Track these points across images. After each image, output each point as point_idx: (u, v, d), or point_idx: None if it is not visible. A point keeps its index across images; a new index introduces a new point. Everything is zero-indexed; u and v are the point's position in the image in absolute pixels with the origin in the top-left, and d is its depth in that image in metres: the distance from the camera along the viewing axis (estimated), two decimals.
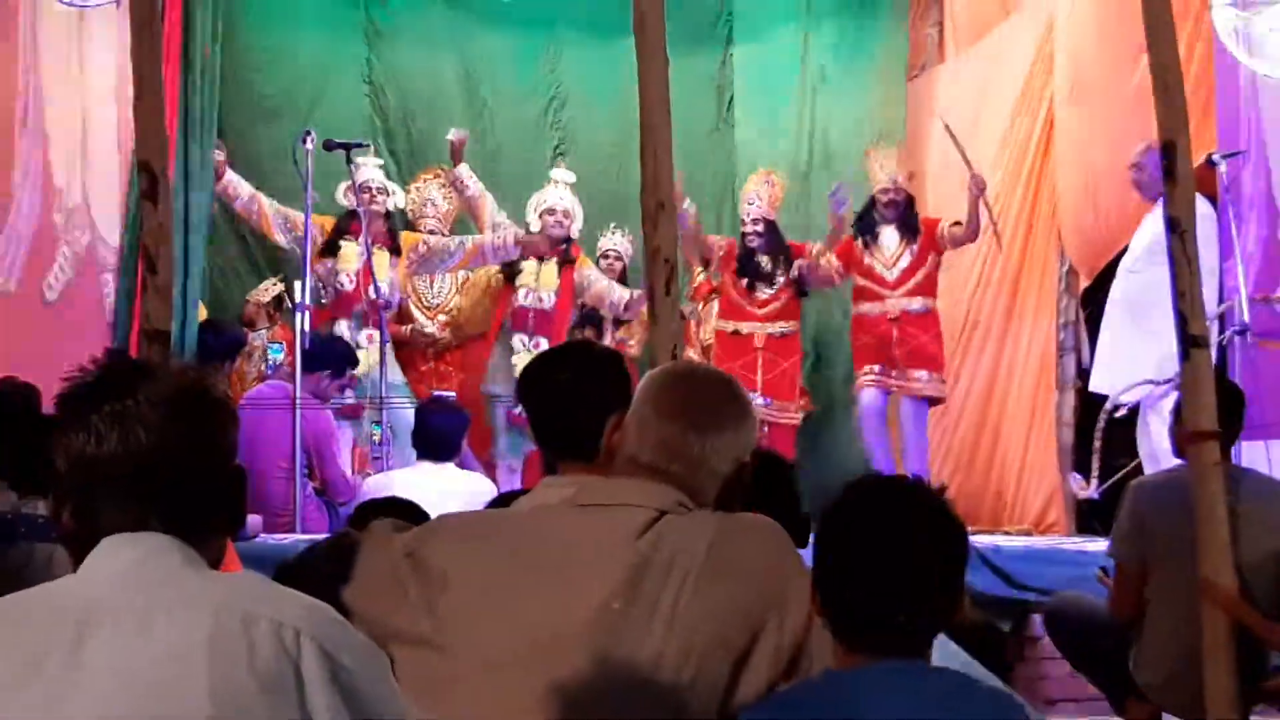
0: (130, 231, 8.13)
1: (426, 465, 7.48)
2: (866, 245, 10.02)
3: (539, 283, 9.96)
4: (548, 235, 9.99)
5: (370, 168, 9.67)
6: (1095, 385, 9.12)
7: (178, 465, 1.95)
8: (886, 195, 10.01)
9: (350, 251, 9.42)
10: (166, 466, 1.94)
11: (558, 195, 10.18)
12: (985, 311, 10.74)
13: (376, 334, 9.32)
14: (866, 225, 10.07)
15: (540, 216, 10.06)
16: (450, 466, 7.46)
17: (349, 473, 8.48)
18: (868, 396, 10.05)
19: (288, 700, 1.82)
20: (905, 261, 9.93)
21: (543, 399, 2.99)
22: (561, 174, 10.41)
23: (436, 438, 7.53)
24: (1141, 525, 5.54)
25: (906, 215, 10.02)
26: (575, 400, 2.88)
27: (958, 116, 10.78)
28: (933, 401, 10.06)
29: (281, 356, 9.50)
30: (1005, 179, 10.41)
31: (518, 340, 9.99)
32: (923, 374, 9.90)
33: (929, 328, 9.97)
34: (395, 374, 9.53)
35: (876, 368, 10.00)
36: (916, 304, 9.93)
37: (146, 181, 4.34)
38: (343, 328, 9.30)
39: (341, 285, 9.38)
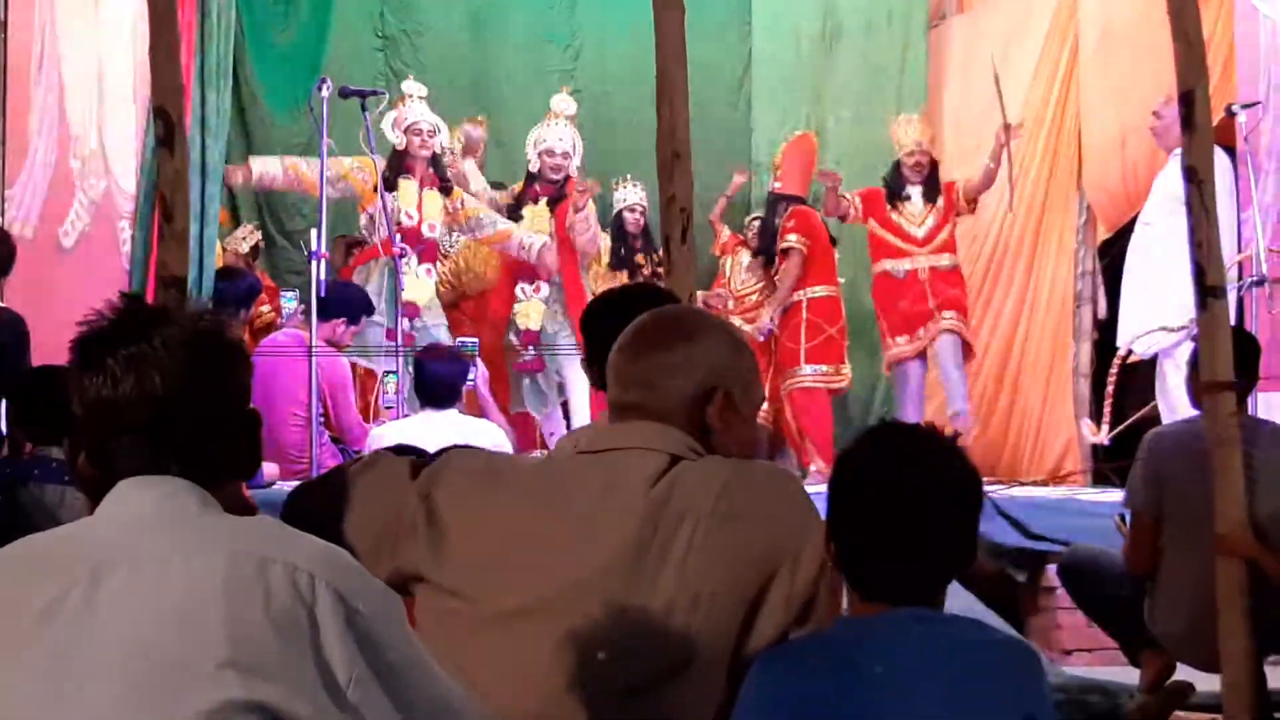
0: (146, 178, 8.11)
1: (429, 413, 7.50)
2: (894, 205, 10.09)
3: (534, 227, 9.92)
4: (546, 179, 9.95)
5: (418, 105, 9.64)
6: (1120, 338, 9.11)
7: (193, 409, 1.96)
8: (912, 159, 10.08)
9: (410, 188, 9.47)
10: (182, 410, 1.95)
11: (557, 134, 10.08)
12: (1007, 266, 10.74)
13: (434, 267, 9.42)
14: (895, 188, 10.13)
15: (540, 156, 10.00)
16: (452, 413, 7.45)
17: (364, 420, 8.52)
18: (907, 371, 10.07)
19: (303, 644, 1.82)
20: (932, 221, 10.00)
21: (595, 340, 3.03)
22: (561, 104, 10.25)
23: (434, 385, 7.54)
24: (1157, 476, 5.55)
25: (931, 178, 10.08)
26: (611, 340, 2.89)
27: (979, 68, 10.75)
28: (966, 348, 10.05)
29: (294, 305, 9.51)
30: (1026, 131, 10.37)
31: (519, 289, 9.99)
32: (952, 314, 9.92)
33: (957, 283, 10.05)
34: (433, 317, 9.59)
35: (904, 338, 10.03)
36: (945, 260, 10.02)
37: (162, 128, 4.34)
38: (413, 264, 9.35)
39: (403, 222, 9.40)
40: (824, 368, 10.05)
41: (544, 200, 9.98)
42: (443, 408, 7.45)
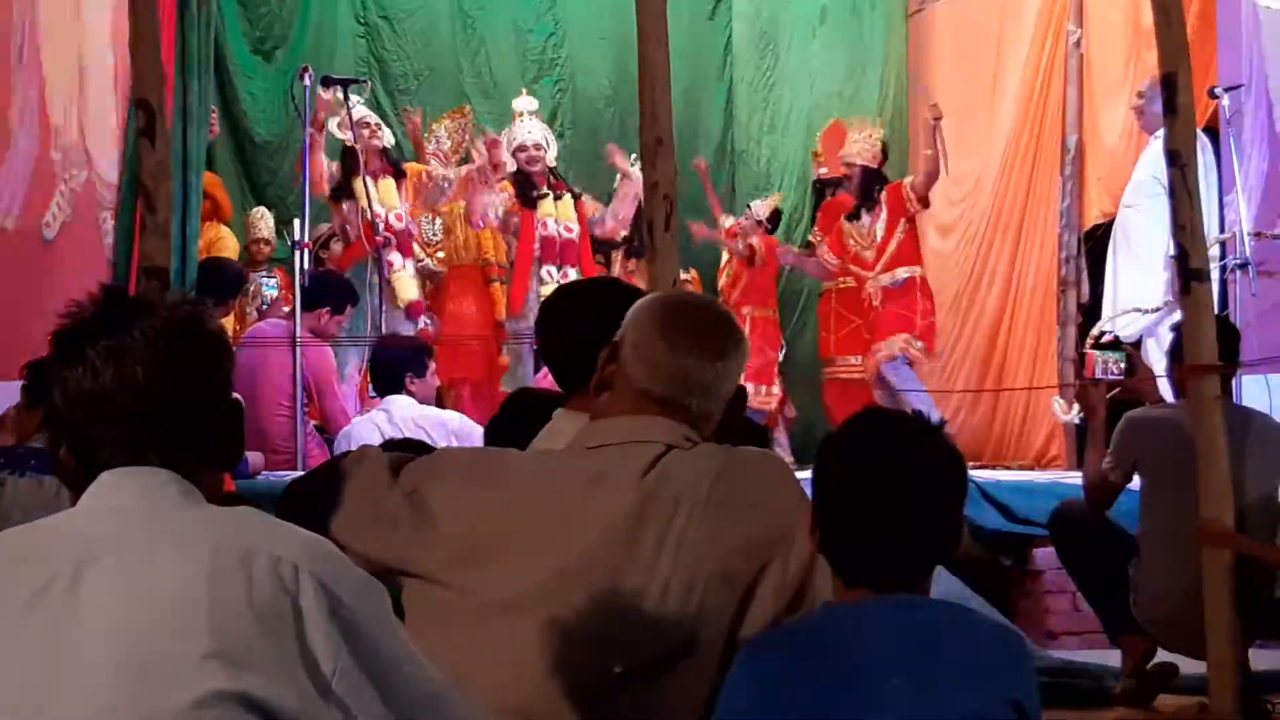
0: (128, 169, 8.11)
1: (377, 400, 7.65)
2: (847, 230, 9.99)
3: (558, 213, 9.90)
4: (525, 173, 9.89)
5: (361, 105, 9.62)
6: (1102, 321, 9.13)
7: (174, 399, 1.95)
8: (845, 172, 10.05)
9: (387, 186, 9.46)
10: (163, 400, 1.94)
11: (525, 130, 10.03)
12: (994, 251, 10.73)
13: (410, 262, 9.47)
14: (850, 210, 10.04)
15: (514, 154, 9.93)
16: (397, 399, 7.48)
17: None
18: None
19: (287, 635, 1.82)
20: (879, 236, 9.79)
21: (557, 335, 3.01)
22: (524, 103, 10.24)
23: (380, 371, 7.76)
24: (1133, 465, 5.58)
25: (864, 188, 9.90)
26: (579, 335, 2.88)
27: (964, 54, 10.76)
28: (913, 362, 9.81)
29: (276, 293, 9.49)
30: (1014, 115, 10.39)
31: (545, 272, 9.97)
32: (895, 340, 9.66)
33: (903, 297, 9.74)
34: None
35: (854, 359, 9.96)
36: (893, 278, 9.75)
37: (144, 119, 4.33)
38: (398, 260, 9.36)
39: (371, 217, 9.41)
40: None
41: (566, 194, 9.94)
42: (385, 394, 7.55)
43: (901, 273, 9.73)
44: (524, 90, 10.64)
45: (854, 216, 9.95)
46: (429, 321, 9.37)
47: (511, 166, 9.90)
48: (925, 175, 9.68)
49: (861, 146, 10.01)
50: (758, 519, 2.53)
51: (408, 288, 9.35)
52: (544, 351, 3.19)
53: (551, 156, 10.11)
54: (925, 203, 9.79)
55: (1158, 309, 8.30)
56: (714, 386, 2.64)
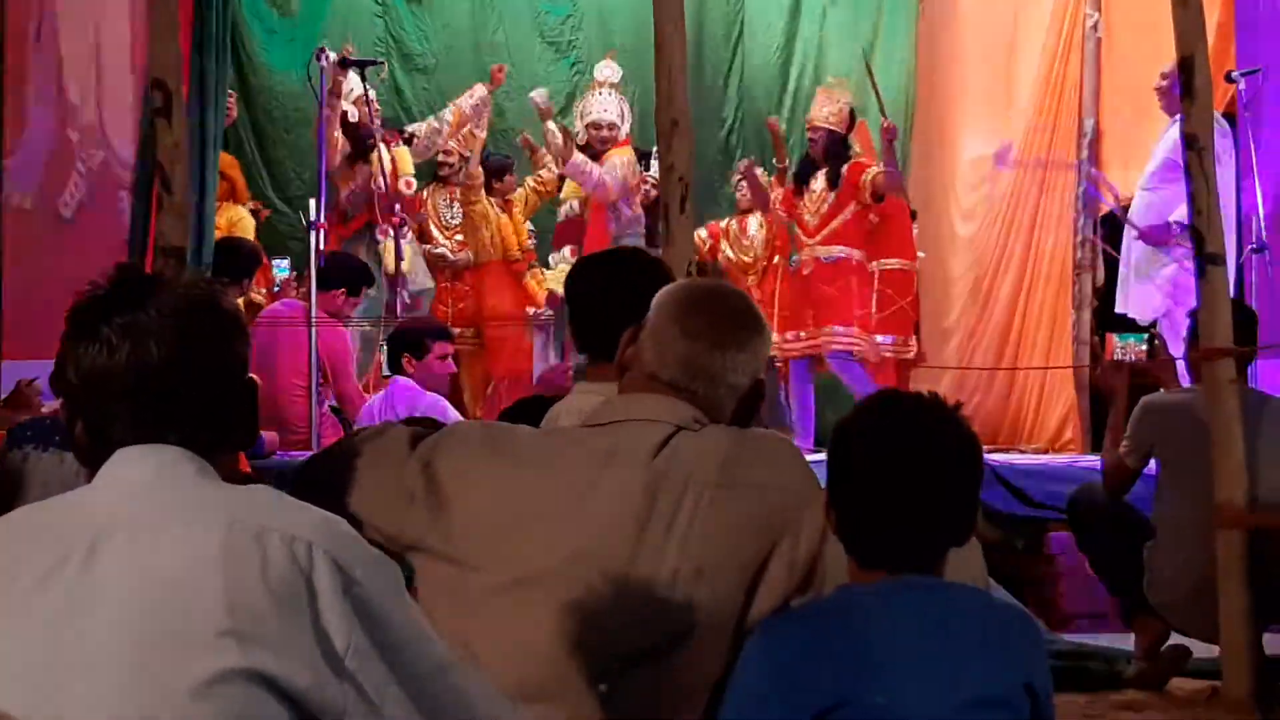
0: (145, 150, 8.12)
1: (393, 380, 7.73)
2: (799, 190, 9.79)
3: (566, 194, 9.88)
4: (594, 151, 9.74)
5: (353, 77, 9.57)
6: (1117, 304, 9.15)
7: (189, 377, 1.95)
8: (809, 135, 9.84)
9: (402, 154, 9.54)
10: (178, 378, 1.94)
11: (601, 105, 9.91)
12: (1011, 234, 10.71)
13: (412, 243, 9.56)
14: (803, 169, 9.86)
15: (586, 130, 9.85)
16: (397, 381, 7.58)
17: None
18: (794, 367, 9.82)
19: (301, 613, 1.82)
20: (825, 207, 9.59)
21: (576, 301, 3.04)
22: (606, 71, 10.10)
23: (389, 351, 7.89)
24: (1149, 450, 5.58)
25: (828, 157, 9.64)
26: (606, 304, 2.91)
27: (983, 38, 10.74)
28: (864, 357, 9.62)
29: (288, 274, 9.50)
30: (1030, 100, 10.37)
31: (553, 257, 9.96)
32: (837, 329, 9.51)
33: (837, 279, 9.54)
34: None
35: (802, 333, 9.70)
36: (830, 252, 9.57)
37: (160, 99, 4.35)
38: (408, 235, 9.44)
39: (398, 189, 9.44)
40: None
41: None
42: (394, 374, 7.59)
43: (837, 250, 9.52)
44: (607, 55, 10.48)
45: (804, 179, 9.75)
46: (407, 297, 9.34)
47: (581, 138, 9.81)
48: (884, 185, 9.45)
49: (829, 110, 9.76)
50: (766, 499, 2.53)
51: (392, 259, 9.35)
52: (570, 317, 3.28)
53: (624, 133, 9.91)
54: (878, 199, 9.49)
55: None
56: (721, 375, 2.64)
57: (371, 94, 9.32)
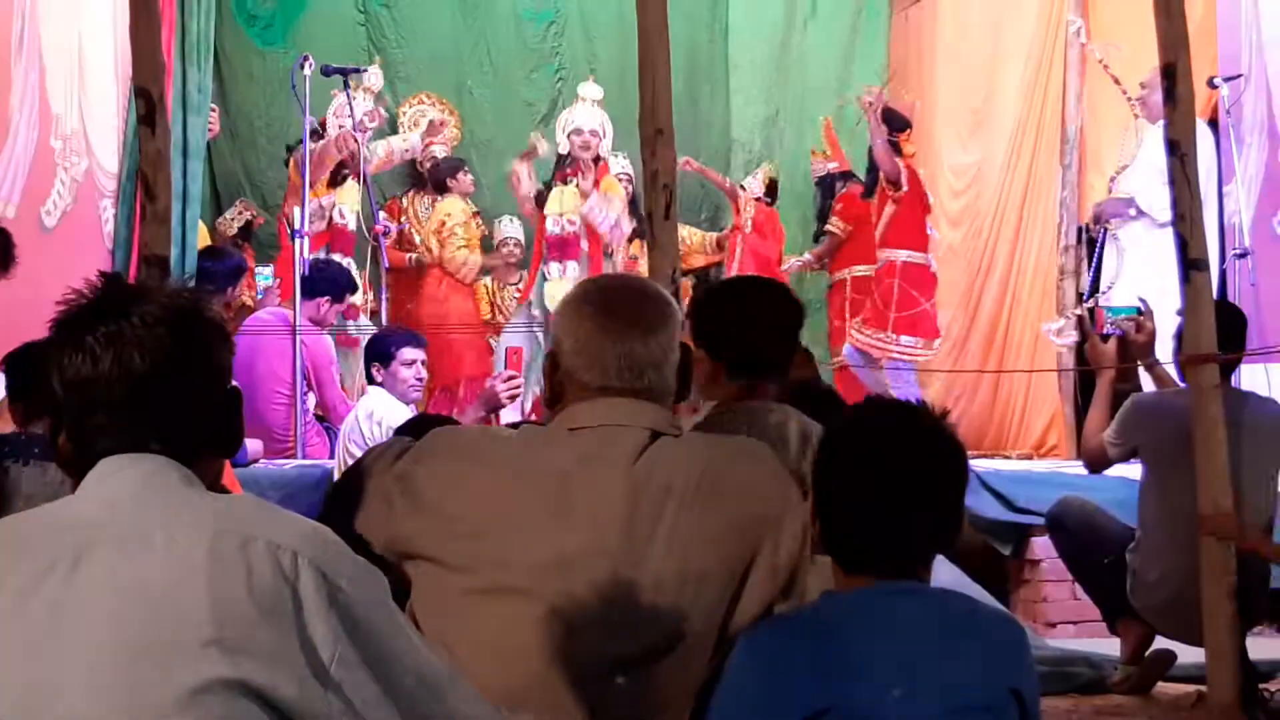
0: (128, 158, 8.11)
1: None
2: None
3: (561, 207, 9.89)
4: (575, 159, 9.87)
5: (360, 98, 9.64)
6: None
7: (173, 386, 1.95)
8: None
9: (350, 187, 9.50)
10: (162, 387, 1.94)
11: (585, 114, 10.00)
12: (996, 240, 10.72)
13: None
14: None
15: (568, 137, 9.92)
16: (370, 391, 7.38)
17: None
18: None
19: (286, 622, 1.82)
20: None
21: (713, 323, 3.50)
22: (589, 90, 10.21)
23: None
24: (1133, 449, 5.59)
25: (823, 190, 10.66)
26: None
27: (962, 51, 10.75)
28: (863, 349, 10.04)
29: (271, 283, 9.49)
30: (1015, 105, 10.39)
31: (545, 269, 9.96)
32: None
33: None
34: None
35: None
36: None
37: (144, 107, 4.34)
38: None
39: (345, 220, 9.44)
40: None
41: (574, 182, 9.87)
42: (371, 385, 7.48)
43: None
44: (589, 77, 10.64)
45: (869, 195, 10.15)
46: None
47: (564, 148, 9.92)
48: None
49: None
50: (746, 506, 2.55)
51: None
52: (700, 338, 3.46)
53: (607, 146, 10.06)
54: (896, 186, 9.75)
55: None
56: (661, 359, 2.65)
57: (358, 105, 9.33)
